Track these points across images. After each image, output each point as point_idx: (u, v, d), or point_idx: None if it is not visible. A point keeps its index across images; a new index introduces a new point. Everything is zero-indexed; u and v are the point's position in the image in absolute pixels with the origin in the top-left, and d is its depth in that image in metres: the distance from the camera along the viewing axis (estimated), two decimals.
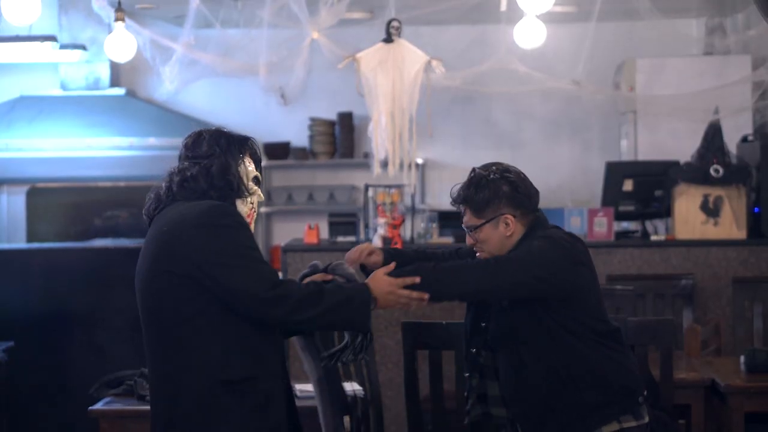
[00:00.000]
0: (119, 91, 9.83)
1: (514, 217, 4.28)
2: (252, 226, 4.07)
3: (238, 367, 3.83)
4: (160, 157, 9.24)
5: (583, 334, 4.18)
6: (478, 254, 4.35)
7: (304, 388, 4.83)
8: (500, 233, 4.28)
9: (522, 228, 4.29)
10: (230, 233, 3.86)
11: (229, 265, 3.81)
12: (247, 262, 3.84)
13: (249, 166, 4.06)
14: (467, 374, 4.47)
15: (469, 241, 4.38)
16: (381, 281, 4.06)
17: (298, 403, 4.73)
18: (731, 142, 7.75)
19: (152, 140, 9.42)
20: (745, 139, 7.99)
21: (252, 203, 4.07)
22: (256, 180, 4.09)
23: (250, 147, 4.11)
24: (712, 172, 7.40)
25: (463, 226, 4.39)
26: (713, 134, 7.50)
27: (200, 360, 3.83)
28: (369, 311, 3.97)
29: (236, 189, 4.00)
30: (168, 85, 8.66)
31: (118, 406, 4.82)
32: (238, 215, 3.94)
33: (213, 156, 3.99)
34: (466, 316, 4.47)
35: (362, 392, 4.99)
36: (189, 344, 3.84)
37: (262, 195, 4.14)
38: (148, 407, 4.00)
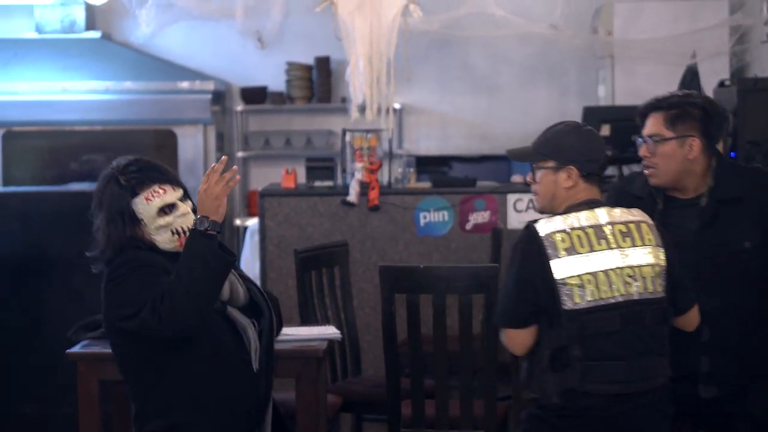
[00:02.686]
0: (95, 34, 9.75)
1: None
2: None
3: (149, 424, 3.99)
4: (136, 101, 9.19)
5: None
6: (647, 171, 4.26)
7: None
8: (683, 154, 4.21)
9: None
10: (116, 286, 3.89)
11: (121, 316, 3.89)
12: (135, 311, 3.82)
13: (150, 203, 3.92)
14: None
15: (643, 151, 4.26)
16: (202, 199, 3.84)
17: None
18: (708, 86, 7.75)
19: (128, 84, 9.35)
20: (722, 84, 7.98)
21: (175, 228, 3.93)
22: (167, 208, 3.93)
23: (149, 177, 3.96)
24: None
25: (643, 136, 4.26)
26: (690, 78, 7.50)
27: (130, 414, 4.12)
28: (209, 240, 3.79)
29: (134, 244, 3.94)
30: (144, 28, 8.61)
31: (95, 349, 4.81)
32: (128, 262, 3.87)
33: (99, 227, 3.97)
34: None
35: (339, 336, 5.00)
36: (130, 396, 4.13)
37: (187, 208, 3.96)
38: None
